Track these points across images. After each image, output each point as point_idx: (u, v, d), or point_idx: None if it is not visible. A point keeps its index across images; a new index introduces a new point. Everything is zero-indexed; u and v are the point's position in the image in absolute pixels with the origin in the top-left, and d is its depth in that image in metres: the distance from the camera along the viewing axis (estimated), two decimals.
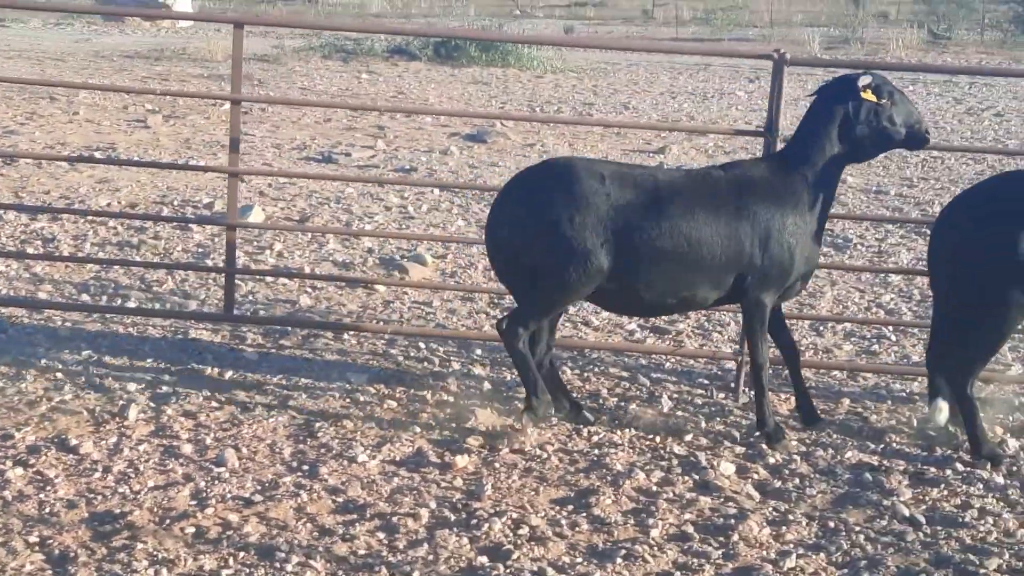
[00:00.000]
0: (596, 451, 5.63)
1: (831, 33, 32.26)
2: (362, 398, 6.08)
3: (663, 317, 7.43)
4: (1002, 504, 5.32)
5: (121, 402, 5.77)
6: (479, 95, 19.17)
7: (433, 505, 4.89)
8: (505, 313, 6.21)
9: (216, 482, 4.91)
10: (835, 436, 6.01)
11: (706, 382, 6.78)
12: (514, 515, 4.85)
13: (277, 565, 4.29)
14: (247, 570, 4.26)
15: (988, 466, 5.65)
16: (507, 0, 42.73)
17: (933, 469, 5.67)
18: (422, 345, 7.02)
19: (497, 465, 5.38)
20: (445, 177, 12.45)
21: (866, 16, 35.21)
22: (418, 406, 6.03)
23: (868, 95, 5.71)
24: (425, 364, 6.72)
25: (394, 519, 4.72)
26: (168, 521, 4.55)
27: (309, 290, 7.93)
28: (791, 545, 4.80)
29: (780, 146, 6.31)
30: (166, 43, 23.96)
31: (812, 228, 5.77)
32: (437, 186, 11.20)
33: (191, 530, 4.47)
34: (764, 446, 5.78)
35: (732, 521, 4.95)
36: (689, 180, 5.76)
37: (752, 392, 6.13)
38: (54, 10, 25.53)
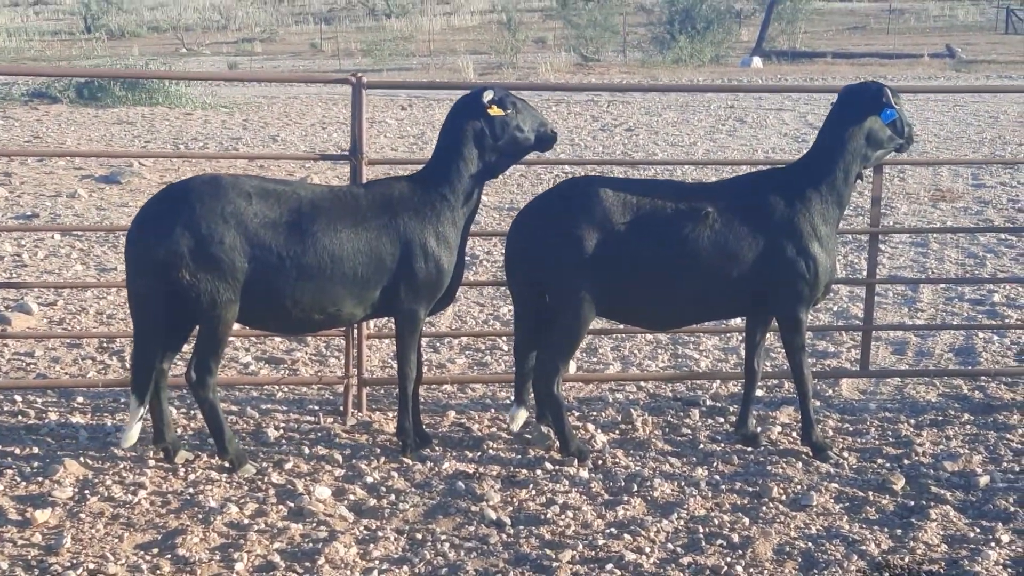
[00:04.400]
0: (191, 490, 5.49)
1: (490, 60, 33.00)
2: None
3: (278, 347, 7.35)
4: (584, 498, 5.48)
5: None
6: (122, 135, 18.67)
7: (5, 565, 4.64)
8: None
9: None
10: (437, 449, 6.07)
11: (316, 408, 6.73)
12: (91, 565, 4.67)
13: None
14: None
15: (575, 462, 5.83)
16: (172, 40, 41.81)
17: (524, 471, 5.79)
18: (18, 398, 6.68)
19: (83, 516, 5.17)
20: (69, 221, 11.99)
21: (520, 43, 36.24)
22: (4, 462, 5.73)
23: (495, 110, 5.83)
24: (19, 418, 6.40)
25: None
26: None
27: None
28: (376, 561, 4.80)
29: (365, 169, 6.47)
30: None
31: (455, 242, 5.86)
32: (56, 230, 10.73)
33: None
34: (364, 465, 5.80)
35: (320, 545, 4.91)
36: (333, 197, 5.74)
37: (360, 414, 6.27)
38: None
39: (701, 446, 6.21)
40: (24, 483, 5.51)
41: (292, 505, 5.35)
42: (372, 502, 5.43)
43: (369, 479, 5.68)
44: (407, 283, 5.74)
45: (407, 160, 6.23)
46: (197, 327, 5.63)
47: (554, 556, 4.84)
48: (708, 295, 5.87)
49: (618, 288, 5.78)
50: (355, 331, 6.58)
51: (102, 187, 14.08)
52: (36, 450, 5.94)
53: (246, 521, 5.17)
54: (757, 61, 34.86)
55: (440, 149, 5.95)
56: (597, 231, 5.70)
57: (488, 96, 5.85)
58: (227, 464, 5.73)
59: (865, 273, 8.01)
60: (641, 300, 5.87)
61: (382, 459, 5.94)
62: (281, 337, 7.73)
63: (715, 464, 5.95)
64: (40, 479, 5.54)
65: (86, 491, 5.42)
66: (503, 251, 6.39)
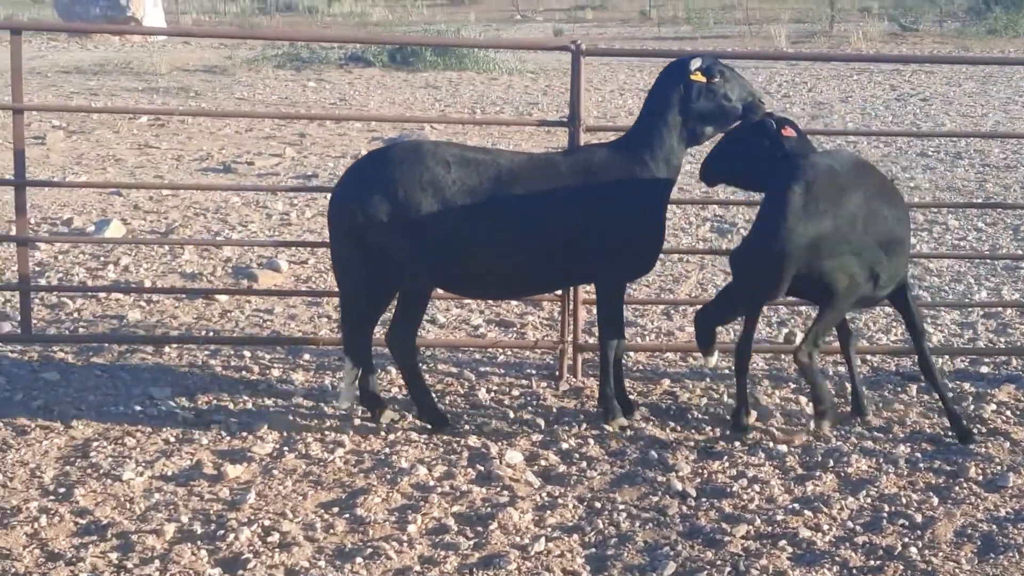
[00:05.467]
0: (387, 450, 5.50)
1: (806, 28, 32.20)
2: (156, 413, 5.92)
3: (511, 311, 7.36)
4: (776, 472, 5.26)
5: None
6: (425, 98, 19.00)
7: (185, 519, 4.73)
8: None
9: None
10: (640, 417, 5.90)
11: (532, 372, 6.63)
12: (267, 522, 4.70)
13: None
14: None
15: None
16: (508, 6, 42.58)
17: (723, 443, 5.58)
18: (247, 354, 6.85)
19: (275, 472, 5.23)
20: None
21: (840, 12, 35.20)
22: (216, 417, 5.88)
23: (700, 76, 5.70)
24: (243, 373, 6.55)
25: (135, 537, 4.55)
26: None
27: (143, 304, 7.77)
28: (549, 529, 4.69)
29: (583, 135, 6.40)
30: (116, 58, 23.80)
31: (655, 209, 5.72)
32: (309, 190, 10.96)
33: None
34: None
35: (497, 510, 4.82)
36: (532, 165, 5.70)
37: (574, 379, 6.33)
38: None
39: (909, 422, 5.82)
40: (228, 438, 5.61)
41: (481, 469, 5.27)
42: (561, 468, 5.30)
43: (564, 445, 5.55)
44: (606, 251, 5.61)
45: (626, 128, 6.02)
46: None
47: (728, 530, 4.65)
48: None
49: None
50: (571, 295, 6.43)
51: None
52: (248, 405, 6.06)
53: (432, 483, 5.13)
54: None
55: (644, 115, 5.82)
56: None
57: (696, 64, 5.72)
58: (428, 425, 5.70)
59: None
60: None
61: (583, 425, 5.80)
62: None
63: (919, 441, 5.57)
64: (244, 434, 5.64)
65: (285, 448, 5.49)
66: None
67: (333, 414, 5.90)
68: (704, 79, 5.70)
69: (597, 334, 5.86)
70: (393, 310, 5.79)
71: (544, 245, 5.56)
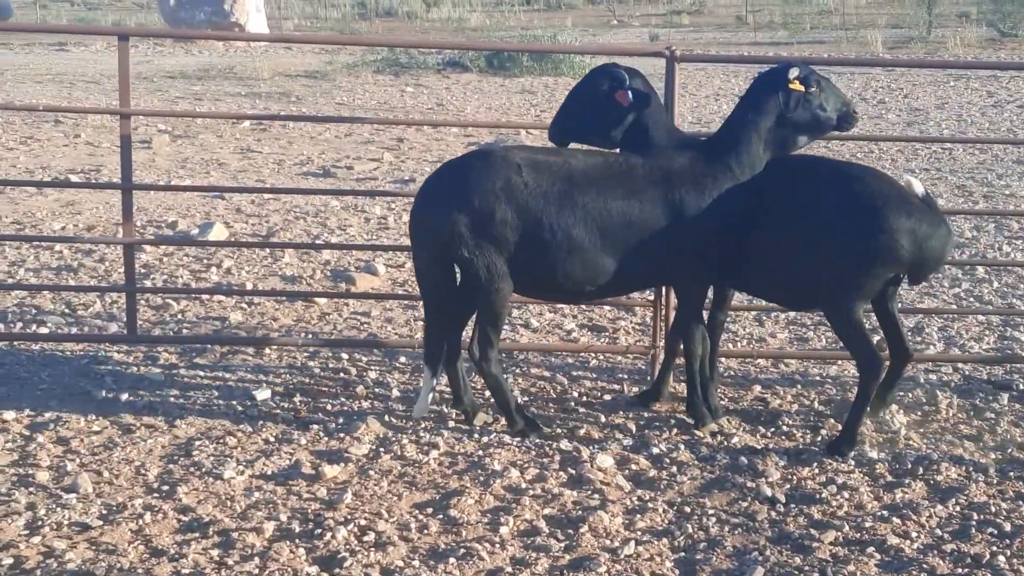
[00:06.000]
0: (480, 452, 5.59)
1: (902, 34, 31.79)
2: (257, 414, 6.06)
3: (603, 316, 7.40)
4: (865, 478, 5.29)
5: None
6: (521, 103, 19.10)
7: (284, 518, 4.86)
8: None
9: (58, 509, 4.88)
10: (731, 422, 5.95)
11: (624, 377, 6.69)
12: (363, 522, 4.82)
13: None
14: None
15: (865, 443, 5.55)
16: (605, 11, 42.65)
17: (814, 449, 5.61)
18: (344, 356, 6.99)
19: (371, 472, 5.35)
20: None
21: (937, 18, 34.65)
22: (315, 417, 6.01)
23: (796, 85, 5.71)
24: (341, 375, 6.69)
25: (235, 535, 4.69)
26: None
27: (245, 306, 7.95)
28: (639, 533, 4.75)
29: None
30: (220, 63, 24.28)
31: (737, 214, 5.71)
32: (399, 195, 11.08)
33: (8, 561, 4.45)
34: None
35: (588, 513, 4.89)
36: (606, 167, 5.69)
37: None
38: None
39: (1000, 431, 5.81)
40: (326, 438, 5.74)
41: (573, 472, 5.35)
42: (652, 473, 5.36)
43: (655, 450, 5.60)
44: (685, 256, 5.62)
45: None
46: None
47: (817, 536, 4.69)
48: None
49: None
50: (662, 300, 6.47)
51: None
52: (346, 407, 6.18)
53: (524, 485, 5.21)
54: None
55: (735, 120, 5.82)
56: None
57: (794, 72, 5.71)
58: (515, 434, 5.77)
59: None
60: None
61: (674, 430, 5.86)
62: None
63: (1009, 450, 5.56)
64: (342, 435, 5.77)
65: (381, 449, 5.60)
66: None
67: (428, 416, 6.00)
68: (802, 88, 5.70)
69: (681, 343, 5.88)
70: (475, 319, 5.86)
71: (621, 249, 5.57)
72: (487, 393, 6.15)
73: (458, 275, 5.69)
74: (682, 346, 5.89)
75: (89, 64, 24.03)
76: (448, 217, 5.48)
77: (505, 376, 5.89)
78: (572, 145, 5.92)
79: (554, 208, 5.49)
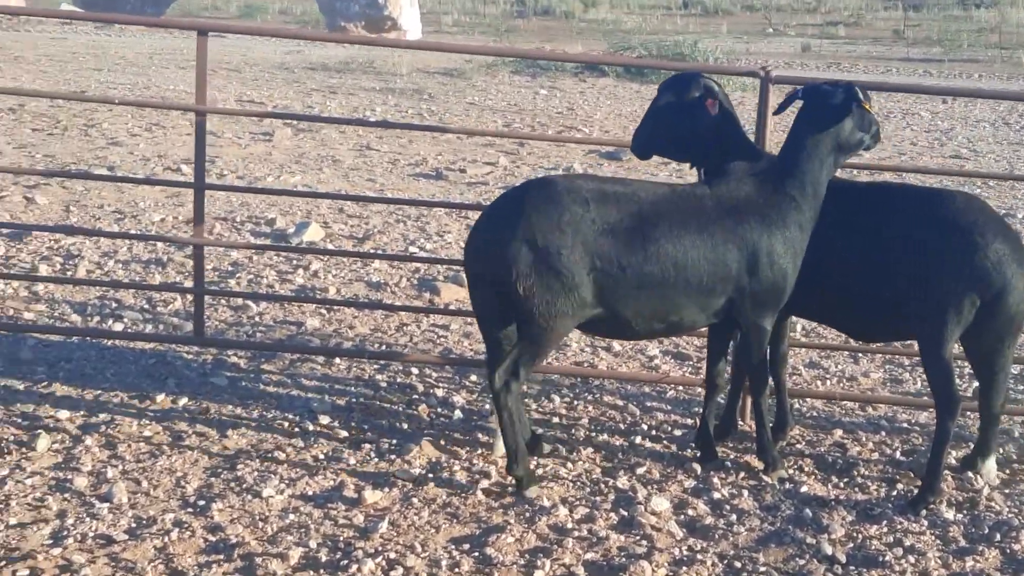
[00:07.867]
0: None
1: None
2: (312, 428, 5.91)
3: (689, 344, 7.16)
4: (937, 542, 4.95)
5: (39, 431, 5.66)
6: None
7: (313, 544, 4.69)
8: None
9: (88, 519, 4.77)
10: (808, 470, 5.62)
11: (700, 410, 6.38)
12: (392, 555, 4.62)
13: None
14: None
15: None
16: (761, 19, 42.11)
17: (888, 505, 5.27)
18: (414, 371, 6.82)
19: (414, 500, 5.15)
20: None
21: None
22: (369, 436, 5.84)
23: (868, 106, 5.45)
24: (407, 391, 6.52)
25: (259, 559, 4.53)
26: (4, 563, 4.43)
27: (323, 312, 7.83)
28: None
29: None
30: (362, 56, 24.41)
31: (801, 248, 5.42)
32: None
33: (24, 572, 4.35)
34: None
35: (630, 561, 4.64)
36: (675, 199, 5.37)
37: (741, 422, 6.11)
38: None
39: None
40: (376, 459, 5.57)
41: (624, 514, 5.09)
42: (708, 520, 5.08)
43: (716, 495, 5.32)
44: (751, 292, 5.30)
45: None
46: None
47: None
48: None
49: None
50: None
51: (601, 163, 14.20)
52: (404, 425, 6.00)
53: (570, 525, 4.97)
54: None
55: (796, 147, 5.46)
56: None
57: (859, 93, 5.40)
58: (512, 480, 5.37)
59: None
60: None
61: (740, 474, 5.56)
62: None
63: None
64: (393, 457, 5.59)
65: (430, 475, 5.40)
66: None
67: (486, 441, 5.79)
68: (868, 107, 5.42)
69: (748, 382, 5.58)
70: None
71: (688, 284, 5.22)
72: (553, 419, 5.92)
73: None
74: (748, 383, 5.58)
75: (232, 51, 24.28)
76: (507, 255, 5.05)
77: (521, 414, 5.43)
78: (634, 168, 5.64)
79: (623, 244, 5.14)
